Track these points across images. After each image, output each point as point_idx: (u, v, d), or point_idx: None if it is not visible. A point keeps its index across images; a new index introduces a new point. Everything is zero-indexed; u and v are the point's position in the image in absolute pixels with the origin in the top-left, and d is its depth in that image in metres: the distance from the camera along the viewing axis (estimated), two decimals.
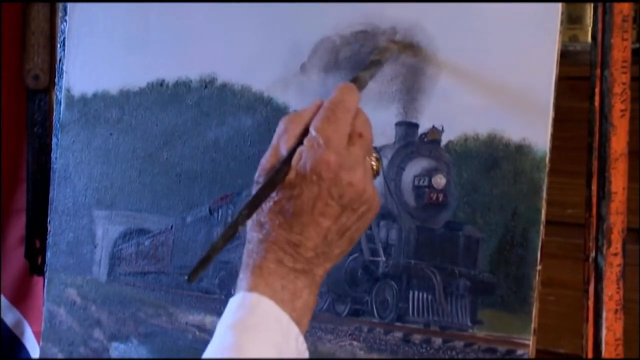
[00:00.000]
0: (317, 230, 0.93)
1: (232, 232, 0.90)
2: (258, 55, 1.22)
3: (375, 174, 1.02)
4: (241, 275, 0.94)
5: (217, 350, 0.88)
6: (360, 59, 1.31)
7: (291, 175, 0.93)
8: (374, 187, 0.97)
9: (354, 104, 0.99)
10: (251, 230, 0.95)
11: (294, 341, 0.91)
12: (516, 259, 1.21)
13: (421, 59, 1.27)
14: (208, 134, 1.20)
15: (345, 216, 0.94)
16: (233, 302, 0.92)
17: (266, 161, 0.95)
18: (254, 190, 0.96)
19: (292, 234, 0.92)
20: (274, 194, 0.93)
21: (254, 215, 0.94)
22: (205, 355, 0.89)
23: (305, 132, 0.94)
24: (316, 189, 0.92)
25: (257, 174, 0.96)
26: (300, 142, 0.94)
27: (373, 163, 1.01)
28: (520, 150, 1.19)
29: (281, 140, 0.95)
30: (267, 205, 0.93)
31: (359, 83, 1.06)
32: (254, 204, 0.92)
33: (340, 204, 0.93)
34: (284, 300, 0.91)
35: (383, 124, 1.40)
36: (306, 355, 0.93)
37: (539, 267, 1.18)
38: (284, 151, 0.94)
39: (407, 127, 1.41)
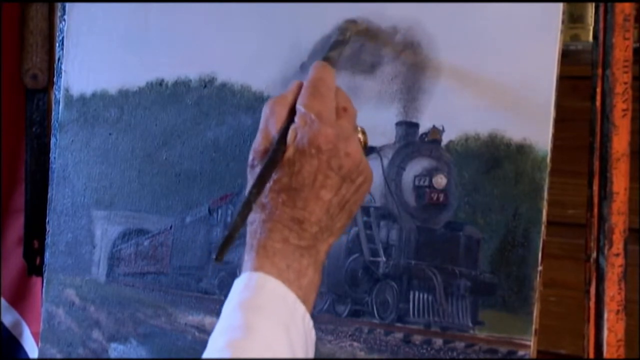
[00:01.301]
0: (320, 204, 0.94)
1: (248, 211, 0.92)
2: (258, 55, 1.21)
3: (364, 146, 1.05)
4: (246, 257, 0.95)
5: (225, 331, 0.88)
6: (361, 58, 1.31)
7: (289, 152, 0.94)
8: (366, 159, 0.99)
9: (333, 80, 1.02)
10: (253, 212, 0.95)
11: (301, 320, 0.92)
12: (517, 259, 1.21)
13: (421, 58, 1.26)
14: (207, 133, 1.20)
15: (344, 188, 0.96)
16: (239, 283, 0.92)
17: (258, 144, 0.97)
18: (250, 174, 0.97)
19: (295, 209, 0.93)
20: (273, 174, 0.94)
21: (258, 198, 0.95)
22: (213, 335, 0.89)
23: (292, 112, 0.97)
24: (316, 162, 0.94)
25: (250, 158, 0.98)
26: (289, 122, 0.96)
27: (360, 136, 1.04)
28: (522, 150, 1.19)
29: (269, 123, 0.98)
30: (267, 185, 0.94)
31: (330, 62, 1.08)
32: (261, 182, 0.94)
33: (339, 175, 0.94)
34: (289, 279, 0.92)
35: (383, 124, 1.39)
36: (313, 334, 0.94)
37: (540, 268, 1.18)
38: (274, 132, 0.96)
39: (408, 126, 1.40)
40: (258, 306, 0.89)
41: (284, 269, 0.92)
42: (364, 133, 1.06)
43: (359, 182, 0.98)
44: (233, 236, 0.90)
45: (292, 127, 0.96)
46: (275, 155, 0.94)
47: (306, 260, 0.94)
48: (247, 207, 0.92)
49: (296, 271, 0.93)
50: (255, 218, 0.96)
